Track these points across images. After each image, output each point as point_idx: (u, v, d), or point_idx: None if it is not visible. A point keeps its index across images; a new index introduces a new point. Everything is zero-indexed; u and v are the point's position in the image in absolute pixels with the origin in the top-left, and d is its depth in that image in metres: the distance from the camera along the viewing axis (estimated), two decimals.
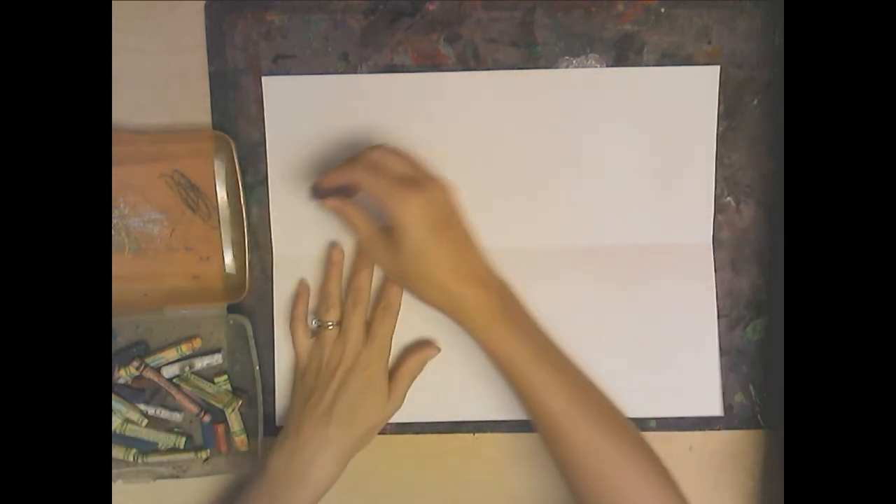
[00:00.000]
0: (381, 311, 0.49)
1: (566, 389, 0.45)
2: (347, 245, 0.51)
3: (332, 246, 0.51)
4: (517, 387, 0.45)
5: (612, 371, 0.52)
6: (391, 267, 0.46)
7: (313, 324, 0.51)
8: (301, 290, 0.51)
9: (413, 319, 0.51)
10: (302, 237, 0.51)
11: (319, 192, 0.46)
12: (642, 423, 0.53)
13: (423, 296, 0.46)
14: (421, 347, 0.51)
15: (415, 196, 0.42)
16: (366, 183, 0.43)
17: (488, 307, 0.45)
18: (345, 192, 0.45)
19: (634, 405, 0.52)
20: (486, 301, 0.44)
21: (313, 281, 0.51)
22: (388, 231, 0.44)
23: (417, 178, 0.43)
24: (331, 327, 0.49)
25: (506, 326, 0.45)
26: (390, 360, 0.50)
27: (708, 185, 0.51)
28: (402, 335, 0.51)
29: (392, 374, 0.50)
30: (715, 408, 0.52)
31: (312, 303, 0.51)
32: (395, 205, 0.42)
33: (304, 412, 0.48)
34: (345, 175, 0.44)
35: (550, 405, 0.44)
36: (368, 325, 0.50)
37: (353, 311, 0.49)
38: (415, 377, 0.51)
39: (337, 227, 0.51)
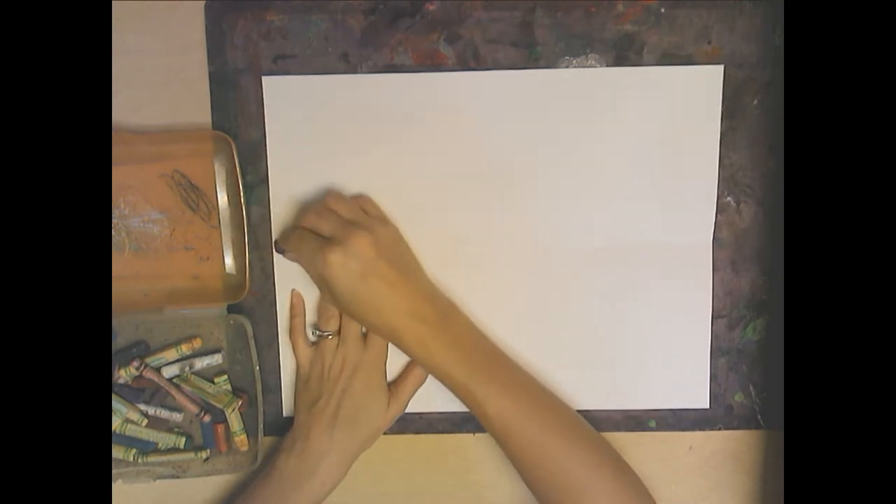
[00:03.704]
0: None
1: (511, 397, 0.47)
2: None
3: None
4: (466, 403, 0.48)
5: (610, 367, 0.52)
6: (339, 307, 0.49)
7: (313, 335, 0.52)
8: (296, 301, 0.52)
9: None
10: None
11: (280, 249, 0.50)
12: (642, 423, 0.53)
13: (370, 330, 0.50)
14: None
15: (332, 254, 0.45)
16: (296, 248, 0.48)
17: (421, 338, 0.47)
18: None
19: (631, 399, 0.52)
20: (419, 332, 0.47)
21: (306, 289, 0.52)
22: None
23: (336, 234, 0.46)
24: (329, 337, 0.51)
25: (443, 351, 0.47)
26: (388, 363, 0.52)
27: (710, 184, 0.51)
28: None
29: (397, 382, 0.52)
30: (703, 400, 0.53)
31: (310, 315, 0.52)
32: (318, 267, 0.45)
33: (312, 416, 0.50)
34: (288, 243, 0.49)
35: (497, 415, 0.46)
36: (365, 333, 0.51)
37: (351, 320, 0.50)
38: (419, 386, 0.52)
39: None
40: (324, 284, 0.47)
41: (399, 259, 0.47)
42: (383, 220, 0.49)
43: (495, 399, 0.46)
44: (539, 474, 0.47)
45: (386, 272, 0.46)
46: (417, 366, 0.52)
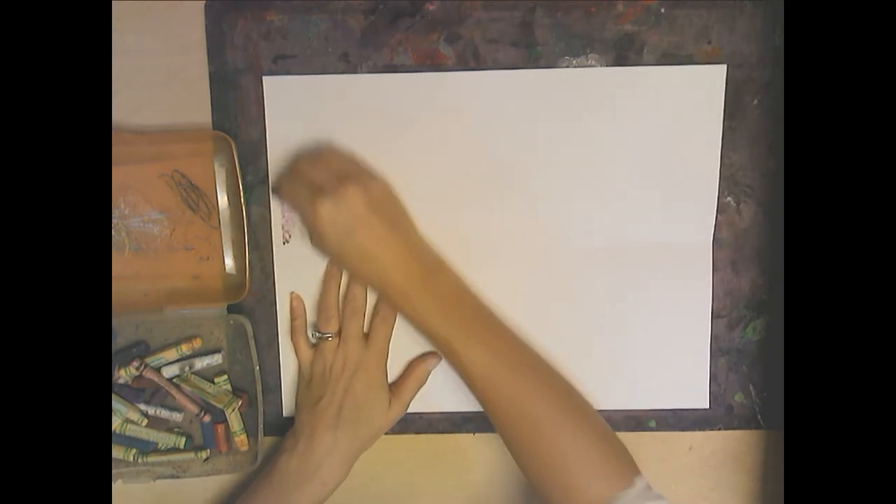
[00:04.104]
0: (378, 320, 0.51)
1: (493, 355, 0.46)
2: None
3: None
4: (447, 359, 0.48)
5: (609, 366, 0.52)
6: (328, 257, 0.50)
7: (313, 336, 0.52)
8: (296, 303, 0.52)
9: (413, 329, 0.51)
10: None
11: (275, 191, 0.51)
12: (642, 423, 0.53)
13: (359, 283, 0.50)
14: (424, 358, 0.52)
15: (323, 205, 0.44)
16: (287, 197, 0.49)
17: (406, 292, 0.47)
18: None
19: (631, 399, 0.52)
20: (404, 287, 0.46)
21: (306, 289, 0.52)
22: None
23: (331, 184, 0.45)
24: (329, 339, 0.51)
25: (426, 306, 0.47)
26: (389, 364, 0.52)
27: (710, 184, 0.51)
28: (405, 343, 0.52)
29: (398, 383, 0.52)
30: (703, 400, 0.53)
31: (310, 315, 0.52)
32: (310, 217, 0.46)
33: (314, 417, 0.50)
34: (281, 189, 0.49)
35: (478, 371, 0.46)
36: (366, 333, 0.51)
37: (351, 320, 0.51)
38: (420, 386, 0.52)
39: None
40: (314, 234, 0.47)
41: (389, 213, 0.47)
42: (376, 173, 0.49)
43: (476, 355, 0.46)
44: (518, 436, 0.46)
45: (375, 226, 0.45)
46: (418, 366, 0.52)
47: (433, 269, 0.48)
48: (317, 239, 0.47)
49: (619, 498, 0.44)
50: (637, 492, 0.44)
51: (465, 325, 0.47)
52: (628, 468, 0.46)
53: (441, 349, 0.48)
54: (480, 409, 0.48)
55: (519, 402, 0.46)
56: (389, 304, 0.49)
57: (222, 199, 0.51)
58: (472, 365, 0.46)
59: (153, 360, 0.51)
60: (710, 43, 0.50)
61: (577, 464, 0.45)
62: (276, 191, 0.50)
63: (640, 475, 0.46)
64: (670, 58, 0.50)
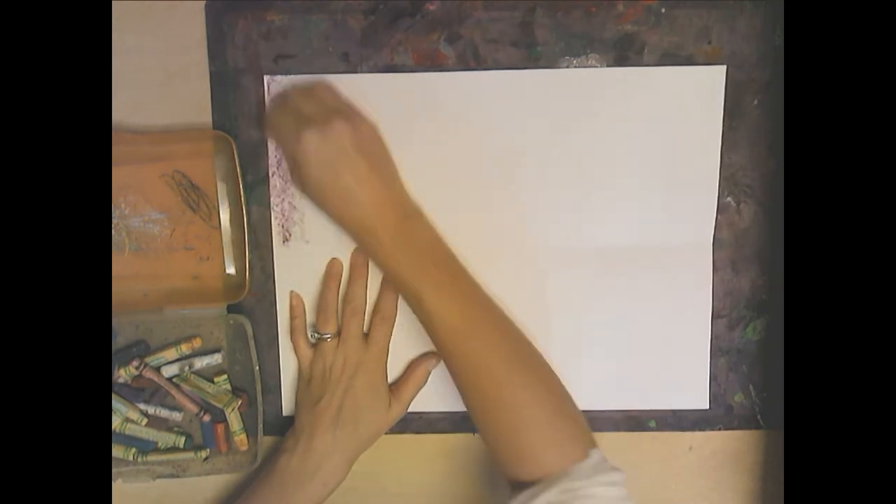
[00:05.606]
0: (377, 320, 0.51)
1: (459, 309, 0.46)
2: (345, 257, 0.52)
3: (331, 259, 0.52)
4: (414, 309, 0.47)
5: (610, 366, 0.52)
6: (305, 193, 0.48)
7: (312, 337, 0.52)
8: (295, 302, 0.52)
9: (413, 329, 0.51)
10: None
11: (261, 121, 0.50)
12: (642, 423, 0.53)
13: (333, 221, 0.48)
14: (424, 358, 0.52)
15: (308, 135, 0.44)
16: (275, 122, 0.47)
17: (379, 237, 0.46)
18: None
19: (631, 399, 0.52)
20: (377, 231, 0.45)
21: (306, 289, 0.52)
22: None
23: (319, 116, 0.45)
24: (329, 339, 0.50)
25: (397, 254, 0.46)
26: (389, 364, 0.52)
27: (710, 185, 0.51)
28: (405, 343, 0.52)
29: (398, 383, 0.52)
30: (703, 400, 0.53)
31: (310, 315, 0.52)
32: (294, 146, 0.44)
33: (314, 416, 0.50)
34: (268, 116, 0.48)
35: (443, 324, 0.45)
36: (366, 333, 0.51)
37: (351, 320, 0.50)
38: (420, 386, 0.52)
39: (336, 227, 0.51)
40: (295, 166, 0.46)
41: (374, 155, 0.46)
42: (366, 116, 0.47)
43: (442, 304, 0.45)
44: (478, 392, 0.46)
45: (358, 165, 0.45)
46: (418, 366, 0.52)
47: (409, 216, 0.47)
48: (298, 172, 0.46)
49: (574, 470, 0.43)
50: (593, 463, 0.43)
51: (434, 275, 0.46)
52: (585, 439, 0.45)
53: (408, 296, 0.47)
54: None
55: (480, 356, 0.45)
56: (361, 247, 0.47)
57: (222, 199, 0.51)
58: (437, 313, 0.45)
59: (153, 360, 0.51)
60: (710, 43, 0.50)
61: (535, 425, 0.44)
62: (264, 120, 0.49)
63: (597, 448, 0.45)
64: (670, 58, 0.49)
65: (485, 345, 0.45)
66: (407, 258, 0.46)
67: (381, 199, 0.46)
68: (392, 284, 0.48)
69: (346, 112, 0.46)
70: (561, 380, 0.47)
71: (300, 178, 0.46)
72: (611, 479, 0.43)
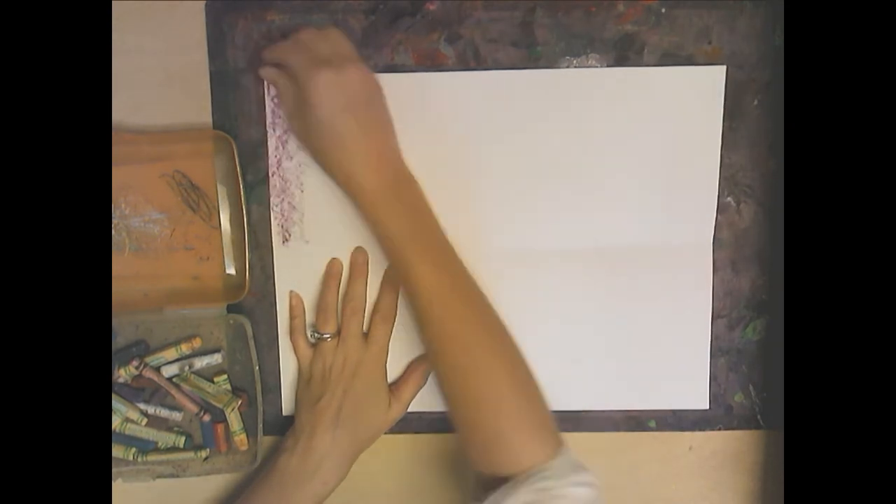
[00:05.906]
0: (377, 319, 0.51)
1: (440, 280, 0.45)
2: (345, 257, 0.52)
3: (331, 259, 0.52)
4: (397, 271, 0.46)
5: (609, 366, 0.52)
6: (302, 138, 0.48)
7: (312, 337, 0.52)
8: (295, 302, 0.52)
9: (413, 329, 0.51)
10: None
11: (261, 62, 0.48)
12: (642, 423, 0.53)
13: (325, 169, 0.48)
14: (425, 359, 0.52)
15: (324, 76, 0.43)
16: (288, 59, 0.45)
17: (372, 191, 0.45)
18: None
19: (631, 399, 0.52)
20: (376, 183, 0.45)
21: (306, 289, 0.52)
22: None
23: (335, 60, 0.44)
24: (328, 339, 0.50)
25: (387, 212, 0.45)
26: (389, 364, 0.52)
27: (710, 185, 0.51)
28: (405, 343, 0.52)
29: (398, 383, 0.52)
30: (703, 400, 0.53)
31: (309, 314, 0.52)
32: (306, 82, 0.44)
33: (314, 416, 0.49)
34: (277, 50, 0.47)
35: (424, 291, 0.45)
36: (366, 333, 0.51)
37: (351, 319, 0.50)
38: (420, 386, 0.52)
39: (336, 228, 0.51)
40: (299, 107, 0.45)
41: (379, 110, 0.46)
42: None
43: (426, 270, 0.45)
44: (452, 370, 0.45)
45: (364, 117, 0.45)
46: (418, 366, 0.52)
47: (403, 179, 0.47)
48: (300, 113, 0.45)
49: (546, 468, 0.42)
50: (565, 462, 0.43)
51: (421, 241, 0.46)
52: (555, 436, 0.44)
53: (392, 259, 0.47)
54: None
55: (458, 331, 0.45)
56: (351, 199, 0.47)
57: (222, 199, 0.51)
58: (420, 279, 0.45)
59: (153, 360, 0.51)
60: (710, 43, 0.50)
61: (507, 409, 0.43)
62: (271, 53, 0.47)
63: (566, 446, 0.44)
64: (670, 58, 0.50)
65: (462, 318, 0.45)
66: (397, 219, 0.46)
67: (379, 152, 0.46)
68: (381, 245, 0.47)
69: (358, 62, 0.46)
70: (537, 383, 0.46)
71: (303, 119, 0.45)
72: (583, 479, 0.42)
